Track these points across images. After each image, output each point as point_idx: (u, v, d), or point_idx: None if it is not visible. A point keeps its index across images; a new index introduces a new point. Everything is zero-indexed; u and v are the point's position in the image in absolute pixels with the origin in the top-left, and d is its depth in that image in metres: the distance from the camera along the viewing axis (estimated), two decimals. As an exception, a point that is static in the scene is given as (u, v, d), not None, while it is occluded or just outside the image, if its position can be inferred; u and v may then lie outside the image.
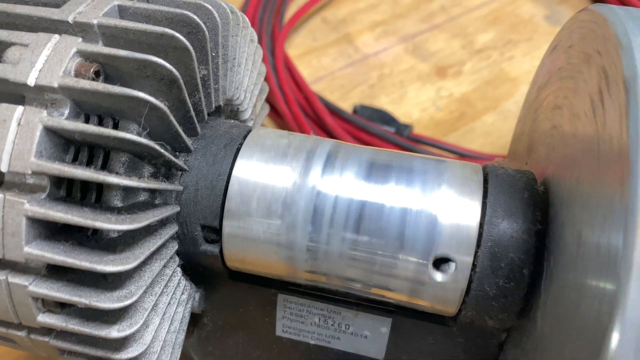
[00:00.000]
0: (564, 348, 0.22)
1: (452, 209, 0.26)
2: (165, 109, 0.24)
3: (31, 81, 0.23)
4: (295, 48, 0.89)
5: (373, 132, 0.70)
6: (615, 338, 0.18)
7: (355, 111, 0.75)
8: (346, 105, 0.79)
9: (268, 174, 0.28)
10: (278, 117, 0.76)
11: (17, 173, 0.23)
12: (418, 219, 0.26)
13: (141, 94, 0.23)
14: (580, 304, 0.22)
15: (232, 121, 0.32)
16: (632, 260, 0.18)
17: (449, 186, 0.27)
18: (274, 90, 0.73)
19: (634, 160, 0.18)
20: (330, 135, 0.69)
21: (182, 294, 0.29)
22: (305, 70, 0.85)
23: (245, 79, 0.33)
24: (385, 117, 0.74)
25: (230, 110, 0.34)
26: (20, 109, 0.23)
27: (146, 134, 0.25)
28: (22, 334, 0.26)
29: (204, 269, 0.31)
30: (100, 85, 0.23)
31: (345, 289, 0.29)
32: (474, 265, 0.26)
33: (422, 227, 0.26)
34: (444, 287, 0.27)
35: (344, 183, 0.28)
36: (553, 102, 0.30)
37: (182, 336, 0.30)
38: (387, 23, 0.93)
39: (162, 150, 0.24)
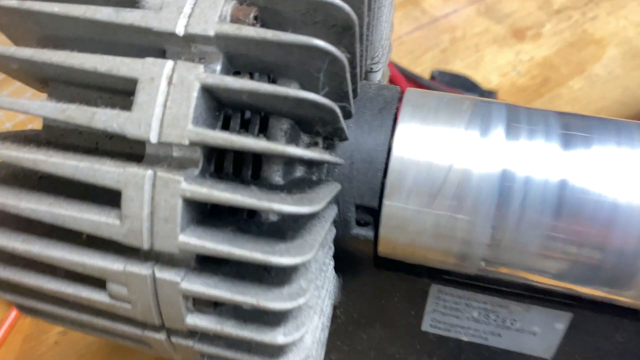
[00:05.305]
0: None
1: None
2: (346, 62, 0.19)
3: (180, 30, 0.19)
4: (357, 11, 0.83)
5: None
6: None
7: (433, 77, 0.70)
8: (418, 71, 0.74)
9: (438, 143, 0.23)
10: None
11: (167, 144, 0.18)
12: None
13: (322, 44, 0.18)
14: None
15: (376, 82, 0.27)
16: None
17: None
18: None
19: None
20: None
21: (333, 285, 0.25)
22: (370, 34, 0.80)
23: (384, 32, 0.28)
24: (466, 83, 0.68)
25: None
26: (169, 63, 0.18)
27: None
28: (161, 336, 0.22)
29: (347, 254, 0.26)
30: (269, 33, 0.18)
31: (527, 281, 0.25)
32: None
33: None
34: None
35: (536, 154, 0.23)
36: None
37: (326, 333, 0.26)
38: (455, -18, 0.87)
39: (340, 116, 0.19)
